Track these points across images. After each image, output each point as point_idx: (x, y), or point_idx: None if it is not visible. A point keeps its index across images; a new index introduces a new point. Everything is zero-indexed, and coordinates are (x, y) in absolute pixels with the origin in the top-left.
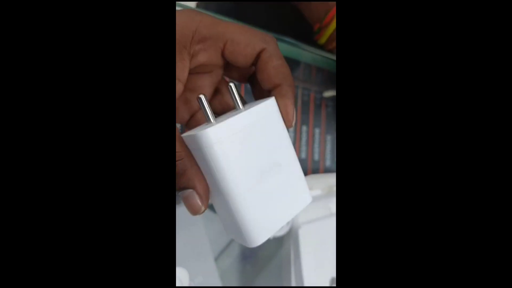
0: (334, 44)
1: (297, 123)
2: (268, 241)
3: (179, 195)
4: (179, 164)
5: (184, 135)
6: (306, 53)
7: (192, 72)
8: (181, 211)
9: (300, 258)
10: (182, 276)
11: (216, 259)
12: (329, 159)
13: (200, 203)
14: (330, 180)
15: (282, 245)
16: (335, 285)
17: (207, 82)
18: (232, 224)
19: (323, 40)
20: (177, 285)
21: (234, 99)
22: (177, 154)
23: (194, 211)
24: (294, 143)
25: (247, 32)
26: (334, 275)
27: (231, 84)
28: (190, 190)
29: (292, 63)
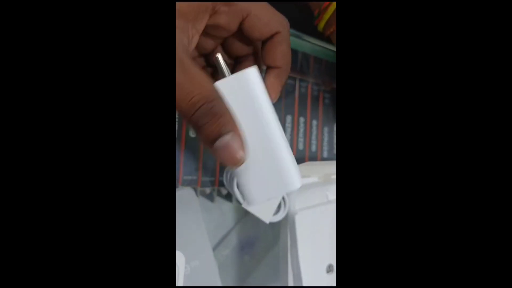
0: (332, 28)
1: (294, 115)
2: (266, 232)
3: (214, 147)
4: (213, 107)
5: (219, 81)
6: (304, 43)
7: (204, 29)
8: (178, 195)
9: (296, 244)
10: (178, 259)
11: (214, 250)
12: (326, 151)
13: (241, 152)
14: (327, 168)
15: (280, 236)
16: (332, 272)
17: (210, 47)
18: (273, 173)
19: (321, 24)
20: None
21: (221, 69)
22: (209, 96)
23: (234, 160)
24: (291, 134)
25: (269, 11)
26: (331, 262)
27: (218, 55)
28: (230, 134)
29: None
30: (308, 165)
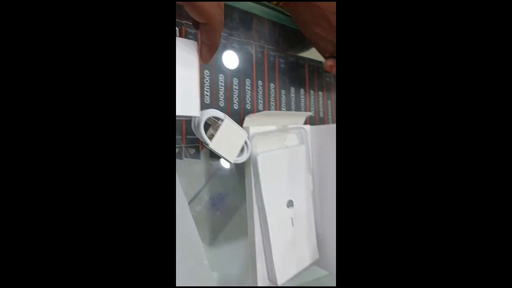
0: (282, 3)
1: (253, 78)
2: (235, 189)
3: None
4: None
5: None
6: (259, 6)
7: None
8: None
9: (259, 181)
10: None
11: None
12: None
13: None
14: (285, 120)
15: (245, 176)
16: (292, 206)
17: None
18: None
19: None
20: None
21: None
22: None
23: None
24: (251, 96)
25: None
26: (290, 198)
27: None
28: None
29: (246, 16)
30: (266, 115)
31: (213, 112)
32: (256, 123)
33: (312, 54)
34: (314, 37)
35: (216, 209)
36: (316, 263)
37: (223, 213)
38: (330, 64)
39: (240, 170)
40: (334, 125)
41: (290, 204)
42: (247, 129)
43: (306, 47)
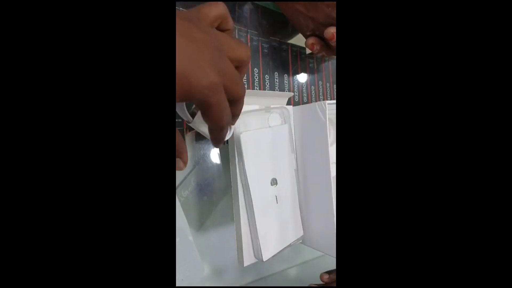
0: None
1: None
2: (221, 175)
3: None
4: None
5: None
6: None
7: None
8: None
9: (243, 159)
10: None
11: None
12: None
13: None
14: (268, 101)
15: (229, 155)
16: (275, 185)
17: None
18: None
19: None
20: None
21: None
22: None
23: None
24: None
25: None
26: (274, 176)
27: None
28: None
29: (228, 1)
30: (249, 94)
31: None
32: None
33: (296, 40)
34: (295, 14)
35: (203, 194)
36: (300, 240)
37: (210, 198)
38: (311, 42)
39: (226, 155)
40: (316, 104)
41: (274, 182)
42: None
43: (290, 34)
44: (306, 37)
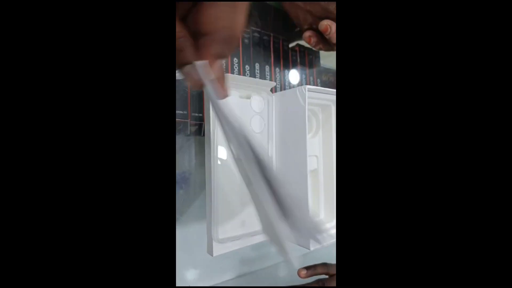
0: None
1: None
2: (197, 170)
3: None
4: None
5: None
6: None
7: None
8: None
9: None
10: None
11: None
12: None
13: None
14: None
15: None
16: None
17: None
18: None
19: None
20: None
21: None
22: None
23: (197, 87)
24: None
25: None
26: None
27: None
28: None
29: None
30: (231, 79)
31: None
32: None
33: (281, 32)
34: (294, 8)
35: (180, 187)
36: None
37: (187, 192)
38: (308, 34)
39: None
40: (296, 88)
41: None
42: None
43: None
44: (304, 30)
